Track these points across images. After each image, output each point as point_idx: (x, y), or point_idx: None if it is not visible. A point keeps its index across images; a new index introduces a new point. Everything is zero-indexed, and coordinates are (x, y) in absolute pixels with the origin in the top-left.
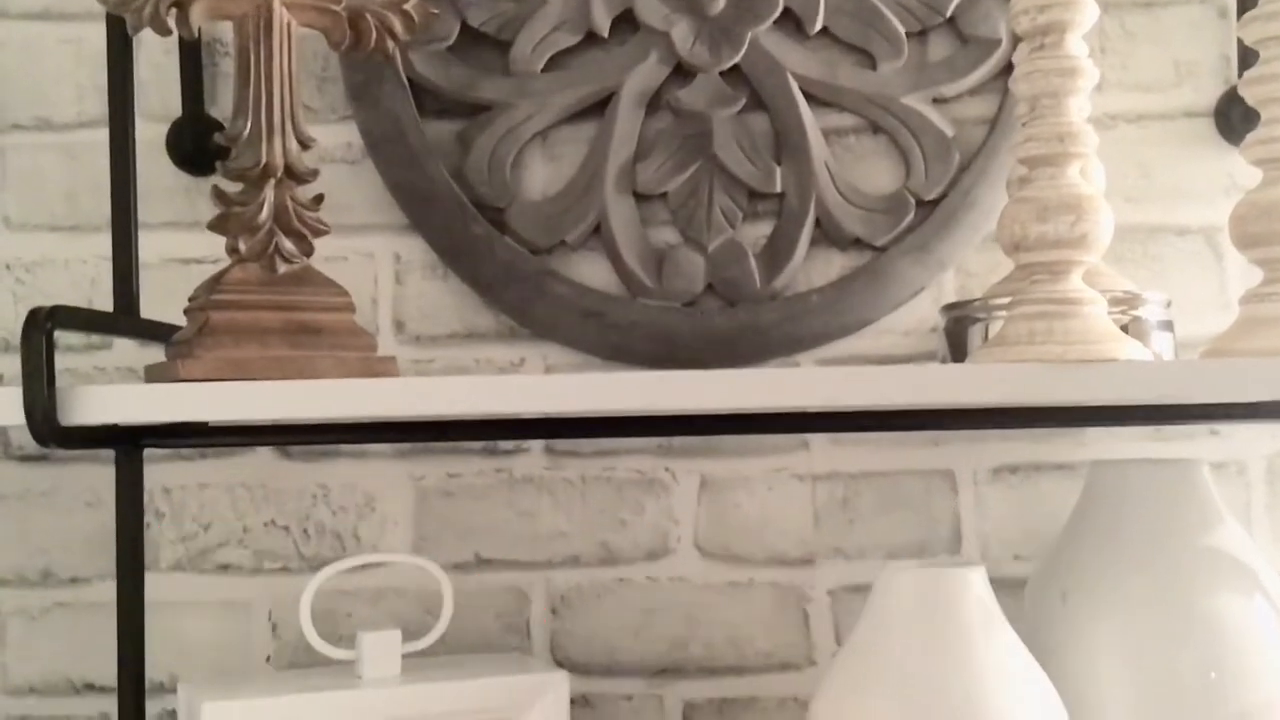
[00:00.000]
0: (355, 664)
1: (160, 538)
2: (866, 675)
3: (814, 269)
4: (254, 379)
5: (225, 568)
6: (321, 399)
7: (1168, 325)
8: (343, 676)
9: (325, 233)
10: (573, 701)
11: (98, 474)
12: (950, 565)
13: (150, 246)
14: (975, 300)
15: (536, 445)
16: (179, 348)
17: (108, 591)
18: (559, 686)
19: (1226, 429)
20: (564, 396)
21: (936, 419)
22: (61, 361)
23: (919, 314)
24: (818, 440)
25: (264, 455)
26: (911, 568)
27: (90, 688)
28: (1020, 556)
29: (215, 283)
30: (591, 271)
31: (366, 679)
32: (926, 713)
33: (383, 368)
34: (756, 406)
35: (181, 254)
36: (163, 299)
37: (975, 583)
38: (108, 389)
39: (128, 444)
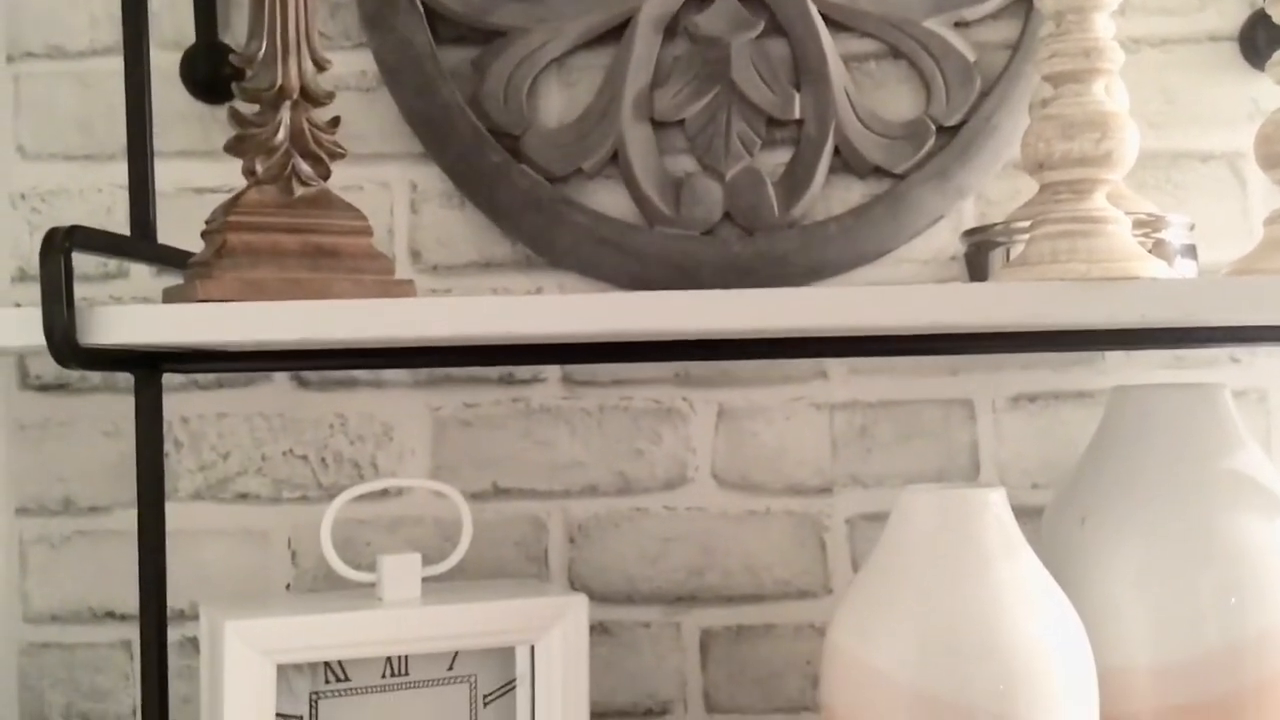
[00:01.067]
0: (375, 586)
1: (179, 467)
2: (885, 596)
3: (833, 197)
4: (271, 300)
5: (244, 496)
6: (339, 319)
7: (1191, 250)
8: (363, 599)
9: (341, 156)
10: (591, 629)
11: (116, 404)
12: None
13: (165, 175)
14: (996, 224)
15: (554, 375)
16: (197, 269)
17: (128, 520)
18: (578, 609)
19: (1247, 357)
20: (582, 317)
21: (956, 344)
22: (79, 291)
23: (938, 242)
24: (836, 369)
25: (282, 385)
26: (931, 488)
27: (111, 615)
28: (1038, 485)
29: (232, 205)
30: (608, 199)
31: (387, 600)
32: (946, 633)
33: (400, 290)
34: (775, 328)
35: (196, 183)
36: (178, 227)
37: (995, 503)
38: (126, 308)
39: (146, 367)
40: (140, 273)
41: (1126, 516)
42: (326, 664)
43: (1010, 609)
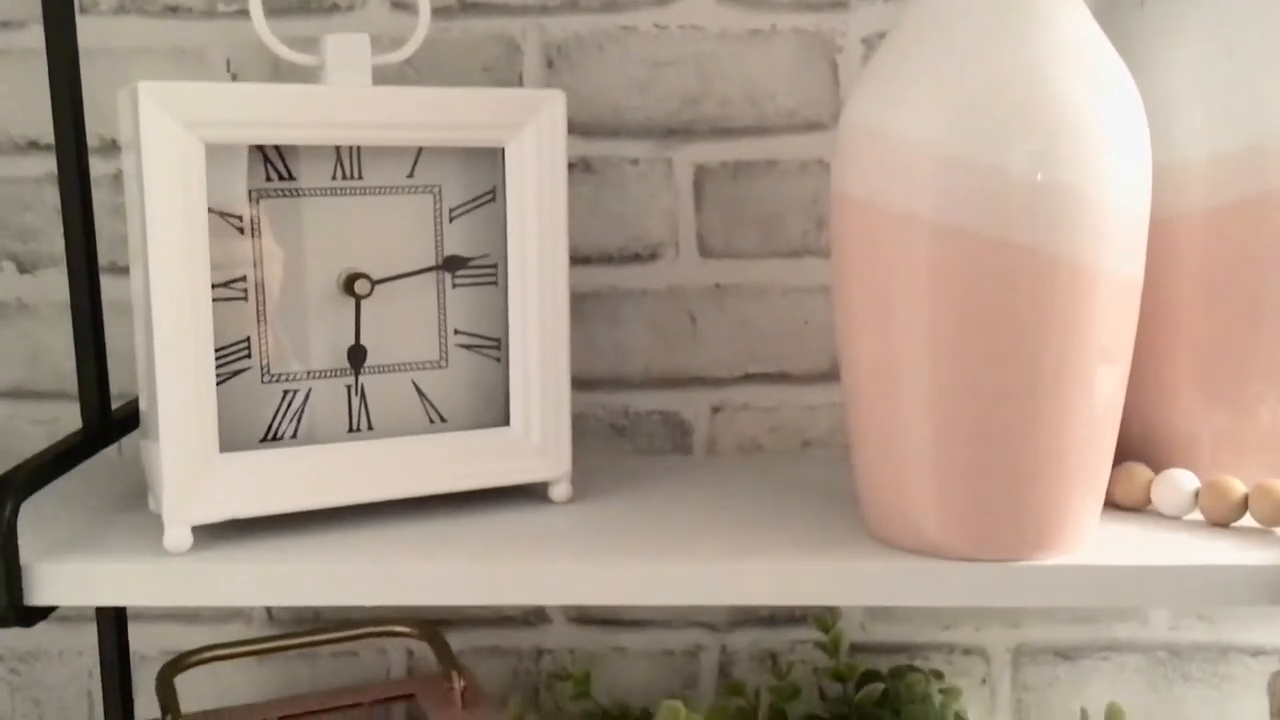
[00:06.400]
0: (320, 71)
1: None
2: (914, 60)
3: None
4: None
5: (174, 10)
6: None
7: None
8: (306, 81)
9: None
10: (572, 165)
11: None
12: None
13: None
14: None
15: None
16: None
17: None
18: (554, 106)
19: None
20: None
21: None
22: None
23: None
24: None
25: None
26: None
27: (35, 146)
28: None
29: None
30: None
31: (333, 83)
32: (985, 93)
33: None
34: None
35: None
36: None
37: None
38: None
39: None
40: None
41: None
42: (266, 159)
43: (1059, 70)
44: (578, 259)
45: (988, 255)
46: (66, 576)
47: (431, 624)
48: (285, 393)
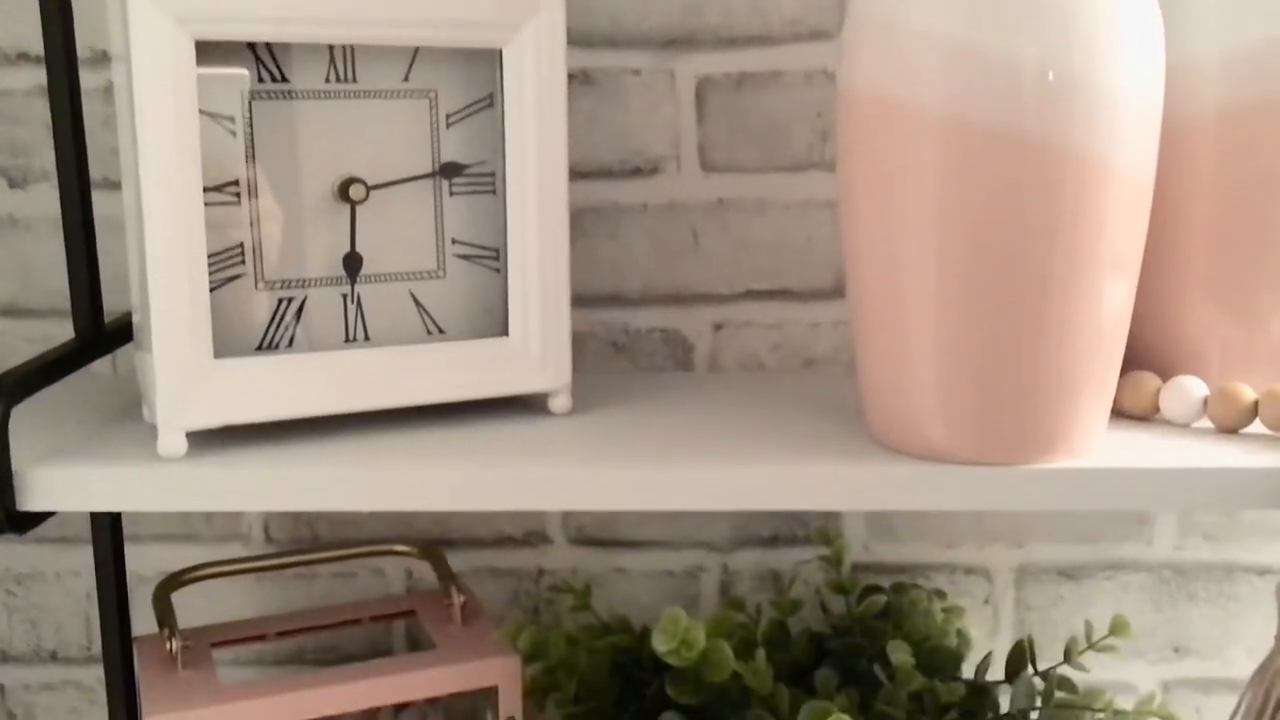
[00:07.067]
0: None
1: None
2: None
3: None
4: None
5: None
6: None
7: None
8: None
9: None
10: (572, 77)
11: None
12: None
13: None
14: None
15: None
16: None
17: None
18: (553, 6)
19: None
20: None
21: None
22: None
23: None
24: None
25: None
26: None
27: (24, 57)
28: None
29: None
30: None
31: None
32: None
33: None
34: None
35: None
36: None
37: None
38: None
39: None
40: None
41: None
42: (259, 60)
43: None
44: (577, 174)
45: (998, 149)
46: (59, 482)
47: (431, 543)
48: (280, 300)
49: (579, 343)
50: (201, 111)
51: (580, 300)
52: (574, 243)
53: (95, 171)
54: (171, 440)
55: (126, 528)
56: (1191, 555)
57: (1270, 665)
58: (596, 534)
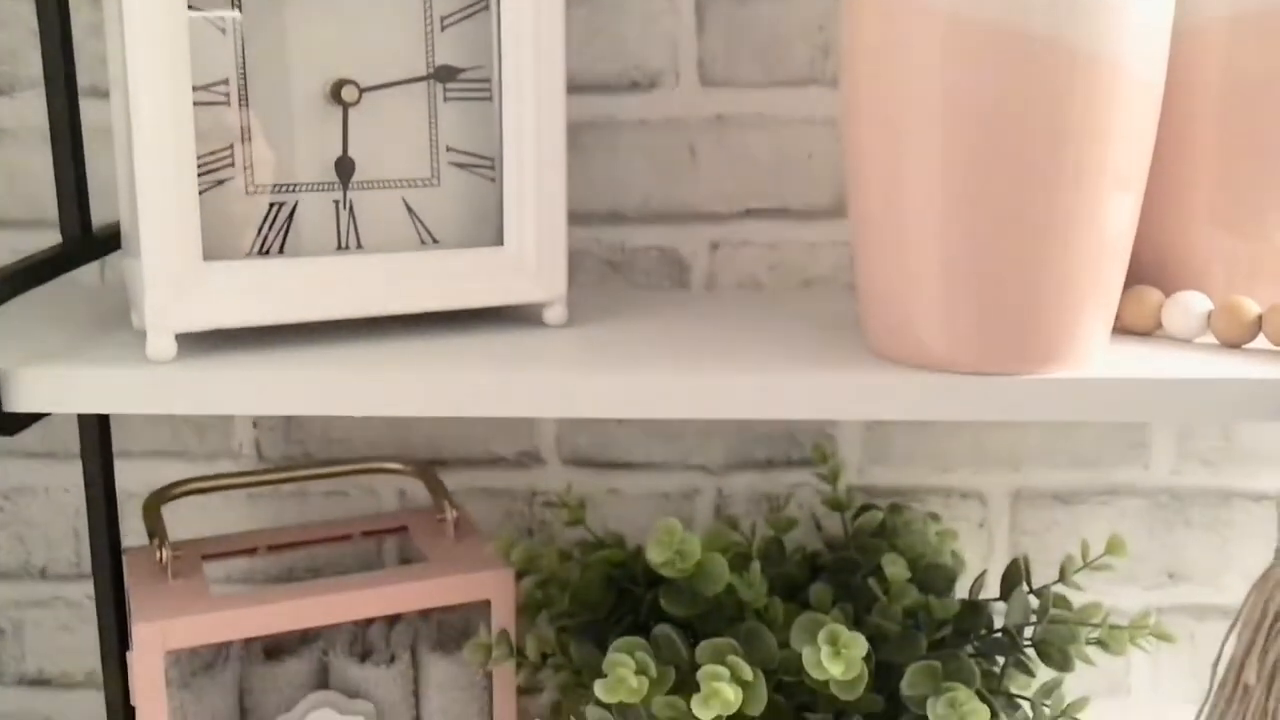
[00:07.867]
0: None
1: None
2: None
3: None
4: None
5: None
6: None
7: None
8: None
9: None
10: None
11: None
12: None
13: None
14: None
15: None
16: None
17: None
18: None
19: None
20: None
21: None
22: None
23: None
24: None
25: None
26: None
27: None
28: None
29: None
30: None
31: None
32: None
33: None
34: None
35: None
36: None
37: None
38: None
39: None
40: None
41: None
42: None
43: None
44: (574, 87)
45: (1005, 49)
46: (47, 382)
47: (424, 461)
48: (271, 205)
49: (574, 260)
50: (190, 6)
51: (576, 217)
52: (570, 158)
53: (82, 79)
54: (160, 343)
55: (116, 443)
56: (1189, 480)
57: (1270, 577)
58: (591, 455)
